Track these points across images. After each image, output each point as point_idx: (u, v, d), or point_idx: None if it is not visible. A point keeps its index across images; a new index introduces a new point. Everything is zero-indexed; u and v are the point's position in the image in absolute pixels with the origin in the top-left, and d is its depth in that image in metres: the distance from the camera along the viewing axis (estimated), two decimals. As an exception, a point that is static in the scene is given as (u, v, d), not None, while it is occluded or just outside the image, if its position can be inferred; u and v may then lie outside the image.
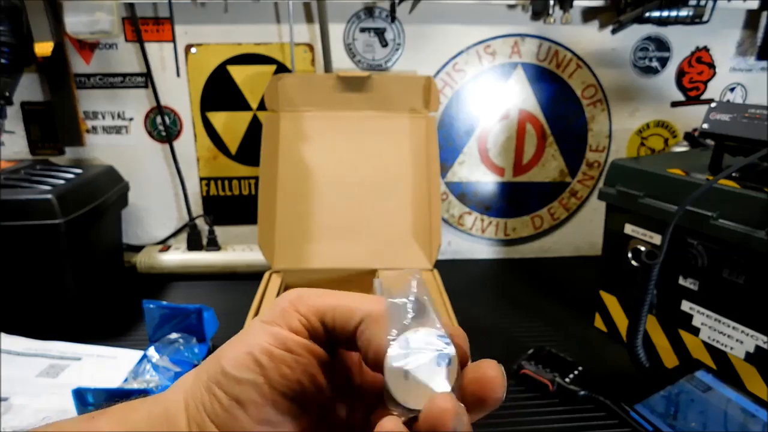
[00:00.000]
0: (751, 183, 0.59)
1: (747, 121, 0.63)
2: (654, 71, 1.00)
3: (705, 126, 0.66)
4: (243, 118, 0.98)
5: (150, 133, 0.98)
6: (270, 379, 0.25)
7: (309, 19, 0.93)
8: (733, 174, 0.63)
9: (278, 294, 0.76)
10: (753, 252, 0.57)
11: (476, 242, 1.09)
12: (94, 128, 0.97)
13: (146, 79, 0.94)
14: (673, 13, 0.84)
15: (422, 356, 0.24)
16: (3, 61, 0.79)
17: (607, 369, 0.69)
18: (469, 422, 0.23)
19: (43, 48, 0.83)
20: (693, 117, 1.03)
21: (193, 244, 0.98)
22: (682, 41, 0.98)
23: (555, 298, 0.89)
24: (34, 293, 0.74)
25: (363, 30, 0.94)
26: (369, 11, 0.93)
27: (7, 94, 0.82)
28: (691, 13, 0.83)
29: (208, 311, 0.71)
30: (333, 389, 0.27)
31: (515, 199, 1.06)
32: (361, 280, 0.82)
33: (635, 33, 0.97)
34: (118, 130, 0.97)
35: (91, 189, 0.82)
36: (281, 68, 0.95)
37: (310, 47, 0.95)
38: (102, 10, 0.85)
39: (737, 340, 0.61)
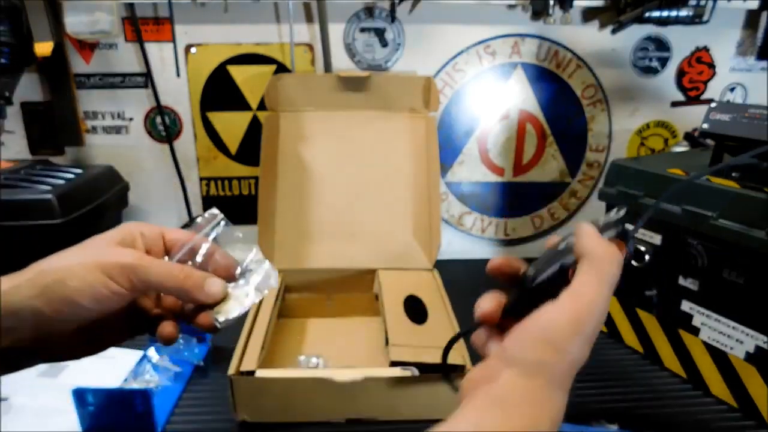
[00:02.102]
0: (751, 183, 0.59)
1: (747, 121, 0.63)
2: (654, 71, 1.00)
3: (705, 126, 0.66)
4: (243, 118, 0.98)
5: (150, 133, 0.98)
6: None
7: (309, 19, 0.93)
8: (733, 174, 0.63)
9: (277, 295, 0.76)
10: (753, 252, 0.57)
11: (476, 242, 1.09)
12: (94, 128, 0.97)
13: (146, 79, 0.94)
14: (673, 13, 0.84)
15: None
16: (3, 61, 0.79)
17: (608, 370, 0.69)
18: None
19: (43, 48, 0.83)
20: (693, 117, 1.03)
21: (193, 244, 0.98)
22: (682, 41, 0.98)
23: (555, 298, 0.89)
24: (34, 293, 0.74)
25: (363, 30, 0.94)
26: (369, 11, 0.93)
27: (7, 94, 0.82)
28: (691, 13, 0.83)
29: (208, 311, 0.71)
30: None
31: (515, 199, 1.06)
32: (361, 280, 0.82)
33: (635, 33, 0.97)
34: (118, 130, 0.97)
35: (91, 189, 0.82)
36: (281, 68, 0.95)
37: (310, 47, 0.95)
38: (102, 10, 0.85)
39: (737, 340, 0.61)
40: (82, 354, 0.39)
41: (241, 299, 0.40)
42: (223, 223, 0.42)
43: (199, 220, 0.42)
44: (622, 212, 0.36)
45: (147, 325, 0.40)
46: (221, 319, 0.39)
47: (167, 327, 0.39)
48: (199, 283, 0.38)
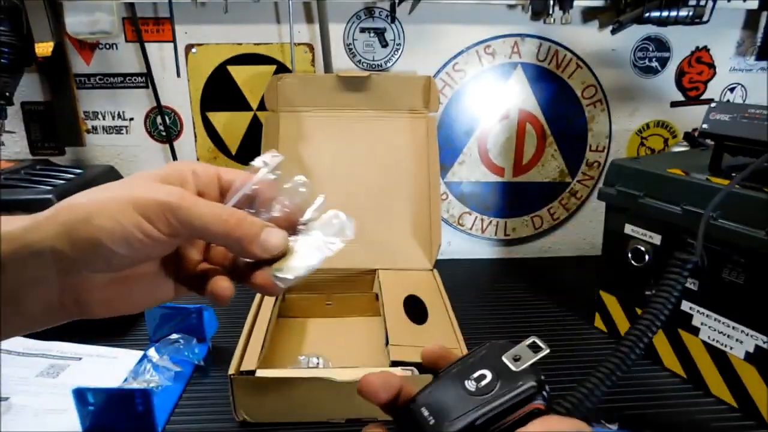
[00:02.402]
0: (751, 183, 0.59)
1: (747, 121, 0.63)
2: (654, 71, 1.00)
3: (705, 126, 0.67)
4: (243, 118, 0.98)
5: (150, 133, 0.98)
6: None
7: (309, 19, 0.93)
8: (733, 174, 0.63)
9: (277, 296, 0.76)
10: (753, 252, 0.57)
11: (476, 242, 1.09)
12: (94, 128, 0.97)
13: (146, 79, 0.94)
14: (673, 14, 0.84)
15: None
16: (3, 61, 0.79)
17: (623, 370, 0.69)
18: None
19: (43, 48, 0.83)
20: (693, 117, 1.03)
21: (193, 244, 0.98)
22: (681, 41, 0.98)
23: (555, 298, 0.89)
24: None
25: (363, 30, 0.94)
26: (369, 11, 0.93)
27: (8, 94, 0.82)
28: (690, 13, 0.83)
29: (208, 311, 0.71)
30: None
31: (515, 199, 1.06)
32: (361, 280, 0.82)
33: (635, 33, 0.97)
34: (118, 130, 0.97)
35: (91, 189, 0.81)
36: (281, 68, 0.95)
37: (310, 47, 0.95)
38: (102, 10, 0.85)
39: (737, 340, 0.61)
40: (117, 311, 0.32)
41: (307, 253, 0.33)
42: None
43: (255, 162, 0.35)
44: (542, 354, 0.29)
45: (194, 280, 0.34)
46: (283, 276, 0.32)
47: (220, 282, 0.32)
48: (254, 231, 0.31)
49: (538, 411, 0.27)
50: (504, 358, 0.29)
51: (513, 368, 0.28)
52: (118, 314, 0.32)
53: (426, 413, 0.28)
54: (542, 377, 0.28)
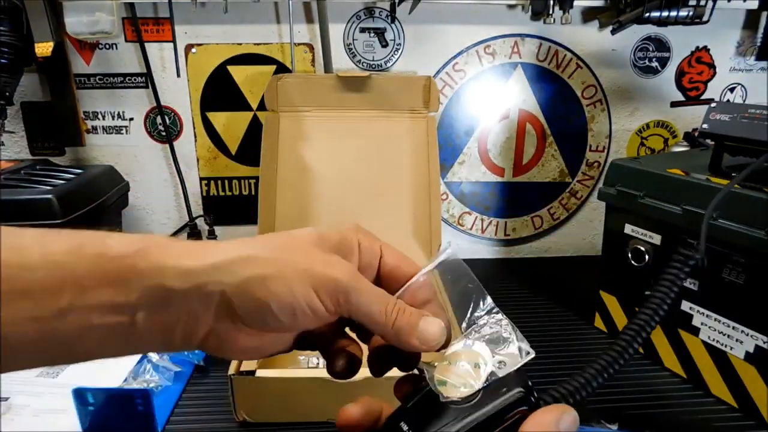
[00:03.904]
0: (751, 183, 0.59)
1: (747, 121, 0.63)
2: (654, 71, 1.00)
3: (705, 126, 0.66)
4: (243, 118, 0.98)
5: (150, 133, 0.98)
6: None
7: (309, 19, 0.93)
8: (733, 174, 0.63)
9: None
10: (753, 252, 0.57)
11: (476, 242, 1.09)
12: (94, 128, 0.97)
13: (146, 79, 0.94)
14: (673, 14, 0.84)
15: None
16: (3, 61, 0.79)
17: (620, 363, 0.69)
18: None
19: (43, 48, 0.83)
20: (693, 117, 1.03)
21: (193, 244, 0.98)
22: (681, 41, 0.98)
23: (555, 298, 0.89)
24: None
25: (363, 30, 0.94)
26: (369, 11, 0.93)
27: (8, 94, 0.82)
28: (690, 14, 0.83)
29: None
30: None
31: (515, 199, 1.06)
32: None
33: (635, 33, 0.97)
34: (118, 130, 0.97)
35: (91, 189, 0.82)
36: (281, 68, 0.95)
37: (310, 47, 0.95)
38: (102, 10, 0.85)
39: (737, 340, 0.61)
40: (251, 357, 0.32)
41: (467, 370, 0.28)
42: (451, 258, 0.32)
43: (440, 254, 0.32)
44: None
45: (323, 344, 0.32)
46: (445, 393, 0.27)
47: (341, 360, 0.31)
48: (413, 321, 0.29)
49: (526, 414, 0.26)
50: None
51: (498, 373, 0.27)
52: (249, 359, 0.32)
53: (405, 428, 0.27)
54: (529, 382, 0.27)
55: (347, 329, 0.33)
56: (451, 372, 0.28)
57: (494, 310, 0.31)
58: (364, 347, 0.33)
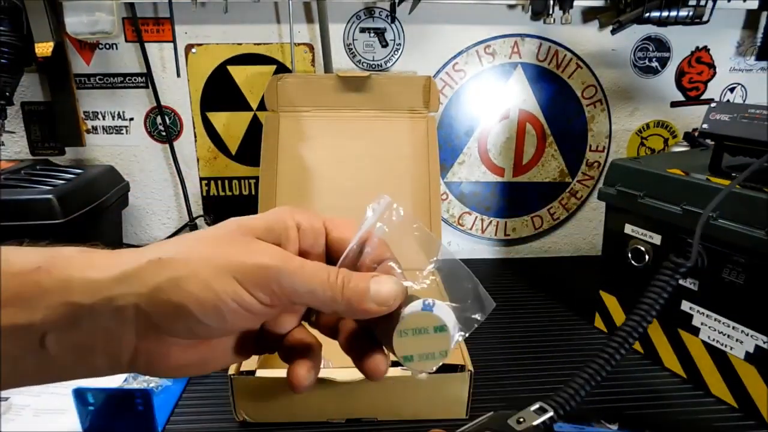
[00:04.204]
0: (751, 183, 0.59)
1: (747, 121, 0.63)
2: (654, 71, 1.00)
3: (705, 126, 0.66)
4: (243, 118, 0.98)
5: (150, 133, 0.98)
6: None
7: (309, 19, 0.93)
8: (733, 174, 0.63)
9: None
10: (753, 252, 0.57)
11: (476, 242, 1.09)
12: (94, 128, 0.97)
13: (146, 79, 0.94)
14: (673, 14, 0.84)
15: None
16: (3, 61, 0.79)
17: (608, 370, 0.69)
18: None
19: (44, 48, 0.83)
20: (693, 117, 1.03)
21: (193, 244, 0.98)
22: (681, 41, 0.98)
23: (555, 298, 0.89)
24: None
25: (363, 30, 0.94)
26: (369, 11, 0.93)
27: (8, 94, 0.82)
28: (690, 14, 0.83)
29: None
30: None
31: (515, 199, 1.06)
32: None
33: (635, 33, 0.97)
34: (118, 130, 0.97)
35: (91, 189, 0.82)
36: (281, 68, 0.95)
37: (310, 47, 0.95)
38: (102, 10, 0.85)
39: (737, 340, 0.61)
40: (187, 374, 0.28)
41: (444, 311, 0.27)
42: (399, 211, 0.30)
43: (368, 211, 0.30)
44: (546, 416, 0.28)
45: (283, 350, 0.30)
46: (414, 369, 0.27)
47: (301, 369, 0.28)
48: (363, 286, 0.26)
49: None
50: (509, 422, 0.27)
51: (517, 429, 0.27)
52: (186, 376, 0.28)
53: None
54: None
55: (306, 325, 0.31)
56: (415, 345, 0.27)
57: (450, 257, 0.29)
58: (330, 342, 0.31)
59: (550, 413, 0.28)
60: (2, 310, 0.23)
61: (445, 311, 0.27)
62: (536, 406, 0.28)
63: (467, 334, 0.27)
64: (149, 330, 0.25)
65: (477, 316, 0.28)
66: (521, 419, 0.27)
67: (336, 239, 0.29)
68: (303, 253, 0.28)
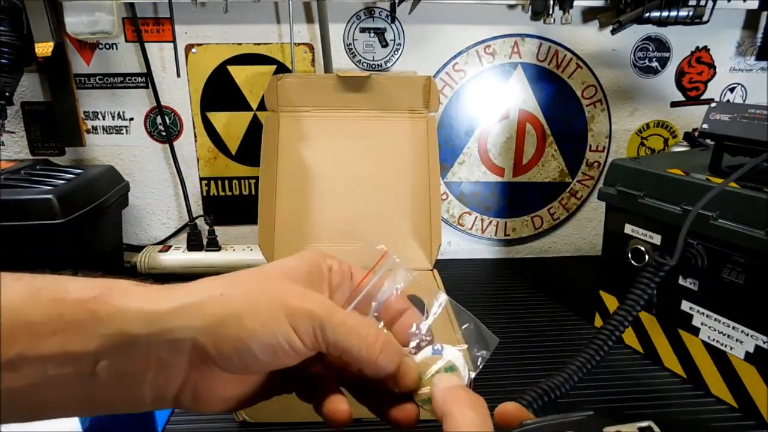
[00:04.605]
0: (751, 183, 0.59)
1: (747, 121, 0.63)
2: (654, 71, 1.00)
3: (705, 126, 0.67)
4: (243, 118, 0.98)
5: (150, 133, 0.98)
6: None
7: (309, 19, 0.93)
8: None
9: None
10: (753, 252, 0.57)
11: (476, 242, 1.09)
12: (95, 128, 0.97)
13: (146, 79, 0.94)
14: (673, 13, 0.84)
15: None
16: (3, 61, 0.79)
17: (607, 370, 0.70)
18: None
19: (44, 48, 0.83)
20: (693, 117, 1.03)
21: (194, 245, 0.98)
22: (681, 41, 0.98)
23: (555, 298, 0.89)
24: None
25: (363, 30, 0.94)
26: (369, 11, 0.93)
27: (8, 94, 0.82)
28: (690, 14, 0.83)
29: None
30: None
31: (515, 199, 1.06)
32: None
33: (635, 33, 0.97)
34: (118, 130, 0.97)
35: (92, 189, 0.82)
36: (281, 68, 0.95)
37: (310, 47, 0.95)
38: (102, 10, 0.85)
39: (737, 340, 0.61)
40: (229, 409, 0.29)
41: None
42: (397, 264, 0.33)
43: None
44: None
45: (305, 387, 0.31)
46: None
47: (337, 404, 0.29)
48: (396, 360, 0.28)
49: None
50: (604, 430, 0.25)
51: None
52: (226, 411, 0.29)
53: None
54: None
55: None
56: (428, 387, 0.28)
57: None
58: None
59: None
60: (57, 337, 0.23)
61: (453, 353, 0.29)
62: (644, 424, 0.25)
63: (475, 374, 0.29)
64: (202, 363, 0.25)
65: (483, 353, 0.30)
66: None
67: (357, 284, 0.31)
68: (332, 295, 0.30)
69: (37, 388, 0.23)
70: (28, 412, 0.24)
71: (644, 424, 0.25)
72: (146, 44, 0.91)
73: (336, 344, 0.26)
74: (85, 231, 0.78)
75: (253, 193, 1.02)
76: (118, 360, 0.24)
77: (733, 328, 0.61)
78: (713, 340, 0.64)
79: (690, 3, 0.83)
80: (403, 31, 0.95)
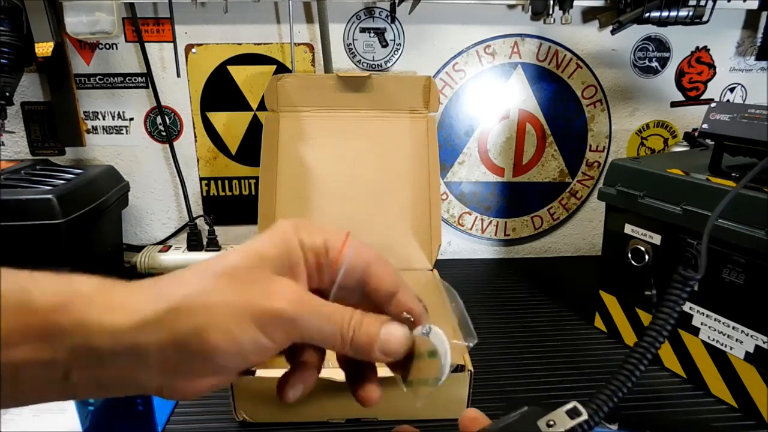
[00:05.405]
0: (750, 183, 0.59)
1: (747, 121, 0.63)
2: (654, 71, 1.00)
3: (705, 126, 0.66)
4: (243, 118, 0.98)
5: (150, 133, 0.98)
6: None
7: (309, 19, 0.93)
8: (733, 174, 0.63)
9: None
10: (753, 252, 0.57)
11: (476, 242, 1.09)
12: (94, 128, 0.97)
13: (146, 79, 0.94)
14: (673, 14, 0.84)
15: None
16: (3, 61, 0.79)
17: (607, 370, 0.70)
18: None
19: (44, 48, 0.83)
20: (693, 117, 1.03)
21: (194, 245, 0.98)
22: (681, 41, 0.98)
23: (555, 298, 0.89)
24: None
25: (363, 30, 0.94)
26: (369, 11, 0.93)
27: (8, 94, 0.82)
28: (690, 14, 0.83)
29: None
30: None
31: (515, 199, 1.06)
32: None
33: (635, 33, 0.97)
34: (118, 130, 0.97)
35: (92, 189, 0.82)
36: (281, 68, 0.95)
37: (310, 47, 0.95)
38: (102, 10, 0.85)
39: (737, 340, 0.61)
40: (203, 393, 0.29)
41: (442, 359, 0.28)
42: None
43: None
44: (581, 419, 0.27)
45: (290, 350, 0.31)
46: (416, 394, 0.28)
47: (292, 391, 0.31)
48: (373, 330, 0.27)
49: None
50: (538, 423, 0.27)
51: None
52: (191, 398, 0.28)
53: None
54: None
55: None
56: (412, 369, 0.28)
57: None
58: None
59: (584, 416, 0.27)
60: (27, 345, 0.24)
61: (439, 338, 0.28)
62: (569, 406, 0.27)
63: (455, 366, 0.29)
64: (171, 370, 0.26)
65: (469, 343, 0.31)
66: (551, 422, 0.26)
67: (333, 261, 0.30)
68: (309, 272, 0.29)
69: (15, 386, 0.24)
70: (12, 401, 0.25)
71: (569, 406, 0.27)
72: (146, 44, 0.91)
73: (309, 335, 0.27)
74: (85, 231, 0.78)
75: (253, 193, 1.02)
76: (87, 368, 0.25)
77: (733, 328, 0.61)
78: (713, 340, 0.64)
79: (690, 3, 0.83)
80: (403, 31, 0.95)
